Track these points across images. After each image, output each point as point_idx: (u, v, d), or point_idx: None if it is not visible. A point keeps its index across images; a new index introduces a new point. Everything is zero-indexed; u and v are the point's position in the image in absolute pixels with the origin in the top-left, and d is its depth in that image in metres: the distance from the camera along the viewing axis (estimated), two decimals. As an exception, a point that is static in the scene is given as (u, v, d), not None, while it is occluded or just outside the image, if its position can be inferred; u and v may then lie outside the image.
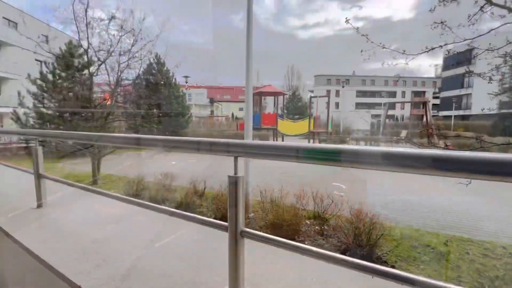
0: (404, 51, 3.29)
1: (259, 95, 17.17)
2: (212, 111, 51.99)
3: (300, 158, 0.75)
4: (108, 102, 7.84)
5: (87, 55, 6.29)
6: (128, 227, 1.39)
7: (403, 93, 57.38)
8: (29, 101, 11.72)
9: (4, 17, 22.44)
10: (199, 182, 5.15)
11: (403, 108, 52.97)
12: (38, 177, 1.62)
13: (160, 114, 13.24)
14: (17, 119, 11.63)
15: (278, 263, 1.06)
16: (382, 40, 3.29)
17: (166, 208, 1.05)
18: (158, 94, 12.37)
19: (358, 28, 3.17)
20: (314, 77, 56.46)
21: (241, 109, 56.71)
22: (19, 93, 11.54)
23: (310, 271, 1.02)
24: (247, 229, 0.84)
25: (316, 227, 3.47)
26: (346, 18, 3.20)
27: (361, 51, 3.14)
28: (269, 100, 40.90)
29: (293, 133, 16.54)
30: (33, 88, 11.45)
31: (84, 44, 6.05)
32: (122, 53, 6.60)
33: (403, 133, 16.13)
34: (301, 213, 3.49)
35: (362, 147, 0.65)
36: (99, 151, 6.23)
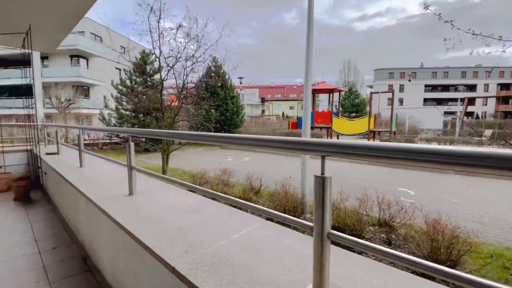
0: (501, 37, 2.75)
1: (312, 92, 16.68)
2: (263, 110, 52.87)
3: (394, 159, 0.69)
4: (175, 104, 8.65)
5: (159, 61, 7.03)
6: (206, 217, 1.50)
7: (485, 86, 48.27)
8: (112, 104, 13.87)
9: (91, 33, 26.65)
10: (254, 180, 5.29)
11: (486, 104, 44.69)
12: (130, 168, 1.87)
13: (218, 114, 14.06)
14: (102, 118, 13.97)
15: (365, 268, 1.00)
16: (458, 25, 2.81)
17: (248, 203, 1.09)
18: (217, 95, 13.14)
19: (440, 14, 2.75)
20: (374, 72, 52.06)
21: (291, 108, 56.23)
22: (104, 97, 13.77)
23: (399, 280, 0.93)
24: (334, 232, 0.81)
25: (382, 235, 3.19)
26: (424, 4, 2.81)
27: (444, 40, 2.73)
28: (323, 97, 39.40)
29: (349, 132, 15.59)
30: (115, 92, 13.49)
31: (156, 52, 6.77)
32: (187, 58, 7.18)
33: (488, 133, 13.59)
34: (364, 219, 3.26)
35: (476, 148, 0.55)
36: (167, 147, 6.94)
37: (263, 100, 55.30)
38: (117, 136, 12.63)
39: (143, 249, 1.26)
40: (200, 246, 1.17)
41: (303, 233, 1.32)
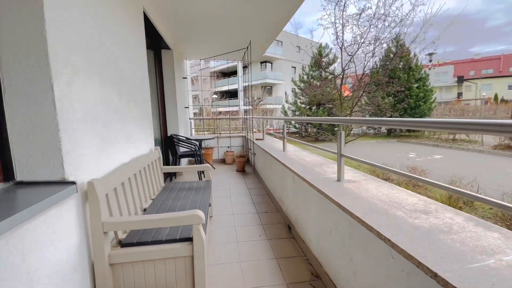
0: None
1: None
2: (459, 94, 39.67)
3: None
4: (349, 93, 8.41)
5: (341, 52, 7.03)
6: (446, 224, 1.23)
7: None
8: (290, 98, 16.00)
9: (275, 39, 31.71)
10: (463, 185, 4.03)
11: None
12: (340, 156, 1.91)
13: (396, 101, 12.20)
14: (284, 112, 16.48)
15: None
16: None
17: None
18: (398, 79, 11.38)
19: None
20: None
21: (511, 87, 37.86)
22: (285, 93, 16.23)
23: None
24: None
25: None
26: None
27: None
28: None
29: None
30: (292, 88, 15.38)
31: (337, 43, 6.79)
32: (371, 42, 6.67)
33: None
34: None
35: None
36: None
37: (460, 80, 41.44)
38: (294, 126, 14.42)
39: (376, 237, 1.23)
40: (457, 257, 0.95)
41: None
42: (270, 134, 5.61)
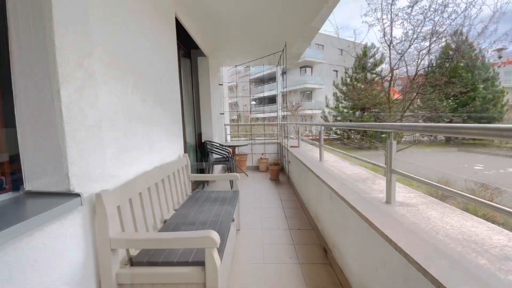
0: None
1: None
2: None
3: None
4: (397, 96, 7.52)
5: (389, 50, 6.33)
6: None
7: None
8: (331, 103, 15.19)
9: (315, 43, 30.96)
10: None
11: None
12: (390, 172, 1.52)
13: (456, 105, 10.62)
14: (324, 117, 15.71)
15: None
16: None
17: None
18: (460, 78, 9.91)
19: None
20: None
21: None
22: (326, 97, 15.47)
23: None
24: None
25: None
26: None
27: None
28: None
29: None
30: (332, 93, 14.57)
31: (384, 40, 6.12)
32: (426, 37, 5.85)
33: None
34: None
35: None
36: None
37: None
38: (335, 133, 13.58)
39: (406, 259, 0.85)
40: None
41: None
42: (306, 141, 5.23)
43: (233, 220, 2.17)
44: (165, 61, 2.58)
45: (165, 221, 2.12)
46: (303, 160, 3.34)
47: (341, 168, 2.79)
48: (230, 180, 4.78)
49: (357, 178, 2.34)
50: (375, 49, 11.51)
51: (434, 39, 5.88)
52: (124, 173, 1.73)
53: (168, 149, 2.60)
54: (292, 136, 8.07)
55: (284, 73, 5.66)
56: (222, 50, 5.38)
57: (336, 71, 32.10)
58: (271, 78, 28.60)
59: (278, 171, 5.29)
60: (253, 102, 26.16)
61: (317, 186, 2.71)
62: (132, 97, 1.87)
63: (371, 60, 12.22)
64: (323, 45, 31.99)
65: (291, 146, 5.08)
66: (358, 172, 2.56)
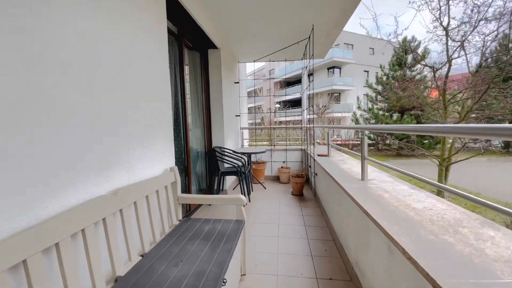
0: None
1: None
2: None
3: None
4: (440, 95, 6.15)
5: (446, 38, 5.11)
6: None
7: None
8: (363, 105, 13.74)
9: (344, 43, 29.44)
10: None
11: None
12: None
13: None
14: (356, 120, 14.27)
15: None
16: None
17: None
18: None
19: None
20: None
21: None
22: (357, 98, 14.07)
23: None
24: None
25: None
26: None
27: None
28: None
29: None
30: (364, 94, 13.15)
31: (440, 22, 4.91)
32: (489, 19, 4.56)
33: None
34: None
35: None
36: (449, 154, 4.85)
37: None
38: (369, 137, 12.11)
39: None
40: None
41: None
42: (337, 148, 4.23)
43: (224, 282, 1.33)
44: (138, 38, 1.85)
45: (116, 280, 1.34)
46: (337, 178, 2.39)
47: (400, 195, 1.82)
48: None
49: (440, 218, 1.37)
50: (416, 43, 9.94)
51: (506, 20, 4.56)
52: (47, 206, 0.98)
53: (143, 162, 1.84)
54: (318, 141, 7.04)
55: (310, 74, 4.76)
56: (237, 40, 4.63)
57: (367, 71, 30.05)
58: (297, 81, 27.51)
59: (301, 184, 4.34)
60: (277, 105, 25.24)
61: (361, 222, 1.77)
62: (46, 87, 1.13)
63: (411, 55, 10.71)
64: (352, 45, 30.23)
65: (319, 155, 4.13)
66: (433, 206, 1.58)
